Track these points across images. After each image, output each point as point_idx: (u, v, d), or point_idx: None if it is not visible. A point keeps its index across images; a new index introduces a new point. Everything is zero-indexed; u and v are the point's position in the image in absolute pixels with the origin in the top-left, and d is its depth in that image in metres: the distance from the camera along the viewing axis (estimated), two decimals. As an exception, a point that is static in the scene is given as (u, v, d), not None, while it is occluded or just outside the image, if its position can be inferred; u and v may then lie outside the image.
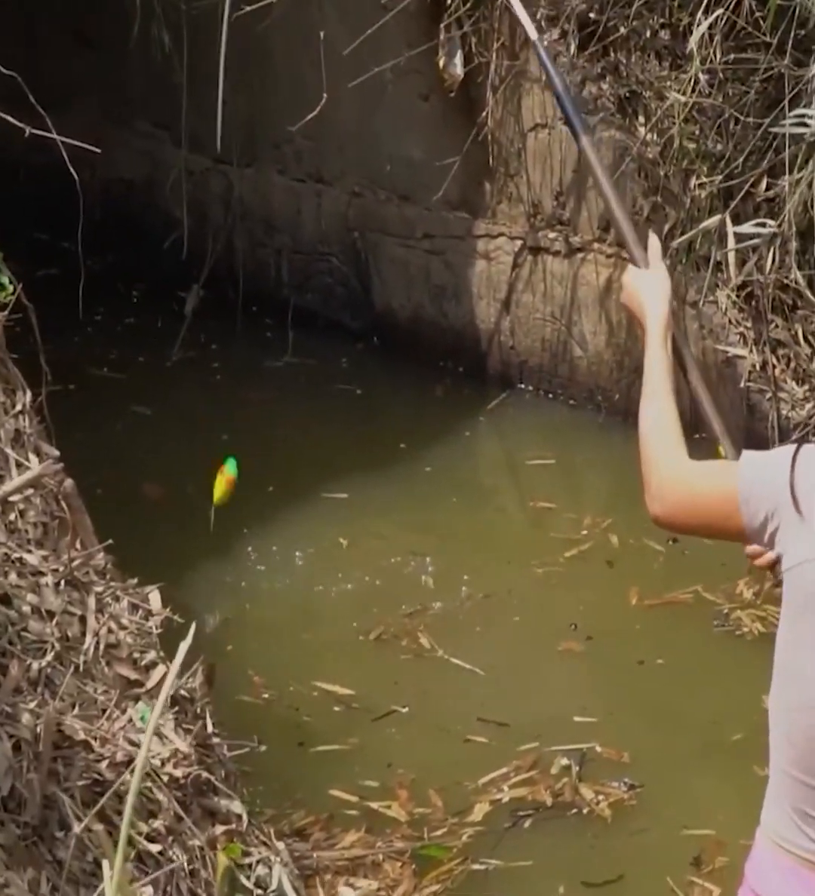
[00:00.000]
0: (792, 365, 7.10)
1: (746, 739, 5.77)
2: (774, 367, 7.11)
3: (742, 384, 7.32)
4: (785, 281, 7.09)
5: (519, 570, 7.02)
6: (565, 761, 5.73)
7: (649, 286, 3.84)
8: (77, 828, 4.07)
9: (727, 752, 5.82)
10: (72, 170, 5.55)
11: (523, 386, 8.69)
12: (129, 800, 2.55)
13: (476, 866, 5.27)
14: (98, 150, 5.64)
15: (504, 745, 5.81)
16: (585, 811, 5.53)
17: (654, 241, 3.89)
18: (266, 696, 6.06)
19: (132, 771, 4.44)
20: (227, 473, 6.55)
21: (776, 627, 6.11)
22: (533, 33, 4.48)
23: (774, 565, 3.32)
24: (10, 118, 5.35)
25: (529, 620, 6.68)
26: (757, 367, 7.20)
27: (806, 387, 6.98)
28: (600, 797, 5.56)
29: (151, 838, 4.36)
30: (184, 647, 2.64)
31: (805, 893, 3.27)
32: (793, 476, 3.16)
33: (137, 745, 4.55)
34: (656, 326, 3.75)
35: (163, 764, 4.62)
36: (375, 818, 5.49)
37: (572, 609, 6.75)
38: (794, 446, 3.19)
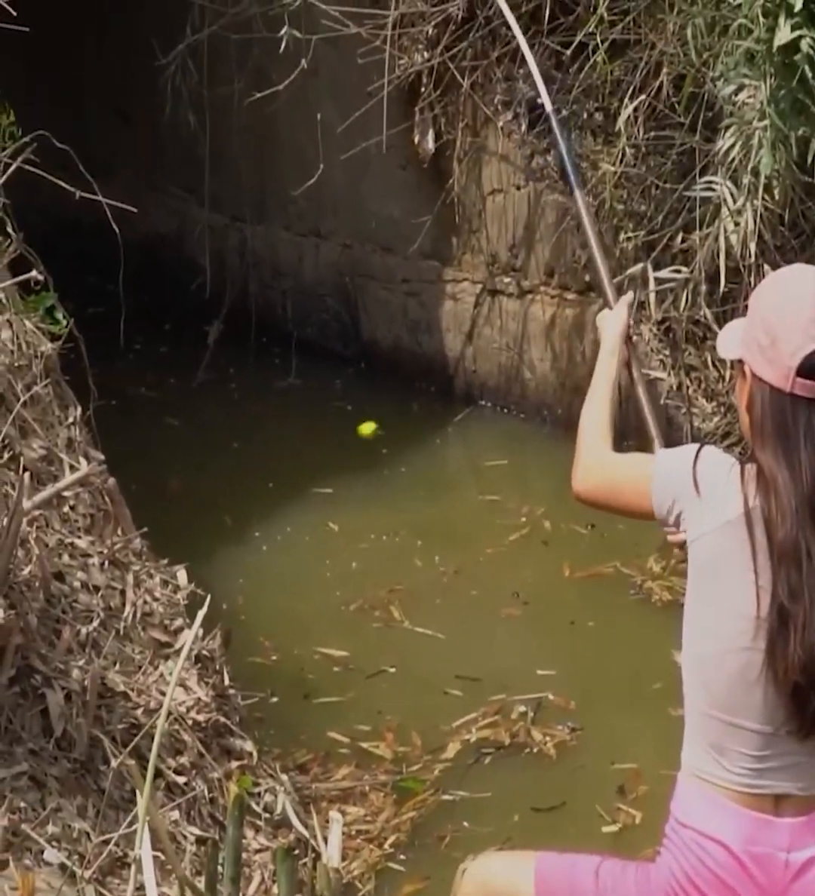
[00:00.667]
0: (702, 385, 7.17)
1: (664, 688, 5.76)
2: (688, 387, 7.21)
3: (662, 401, 7.35)
4: (697, 317, 7.19)
5: (473, 552, 7.11)
6: (522, 708, 5.83)
7: (609, 320, 3.97)
8: (114, 763, 4.17)
9: (648, 698, 5.87)
10: (114, 226, 5.64)
11: (483, 403, 8.75)
12: (156, 738, 2.74)
13: (446, 796, 5.34)
14: (135, 210, 5.72)
15: (475, 696, 5.88)
16: (535, 750, 5.59)
17: (627, 294, 4.07)
18: (274, 657, 6.11)
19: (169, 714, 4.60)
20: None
21: (681, 595, 6.25)
22: (549, 105, 4.56)
23: (683, 544, 3.33)
24: (63, 184, 5.42)
25: (481, 592, 6.77)
26: (674, 388, 7.27)
27: (714, 403, 7.03)
28: (548, 738, 5.63)
29: (178, 772, 4.46)
30: (201, 613, 2.85)
31: (724, 817, 3.28)
32: (695, 466, 3.25)
33: (166, 695, 4.71)
34: (606, 348, 3.87)
35: (188, 711, 4.69)
36: (364, 756, 5.55)
37: (516, 581, 6.84)
38: (698, 445, 3.33)
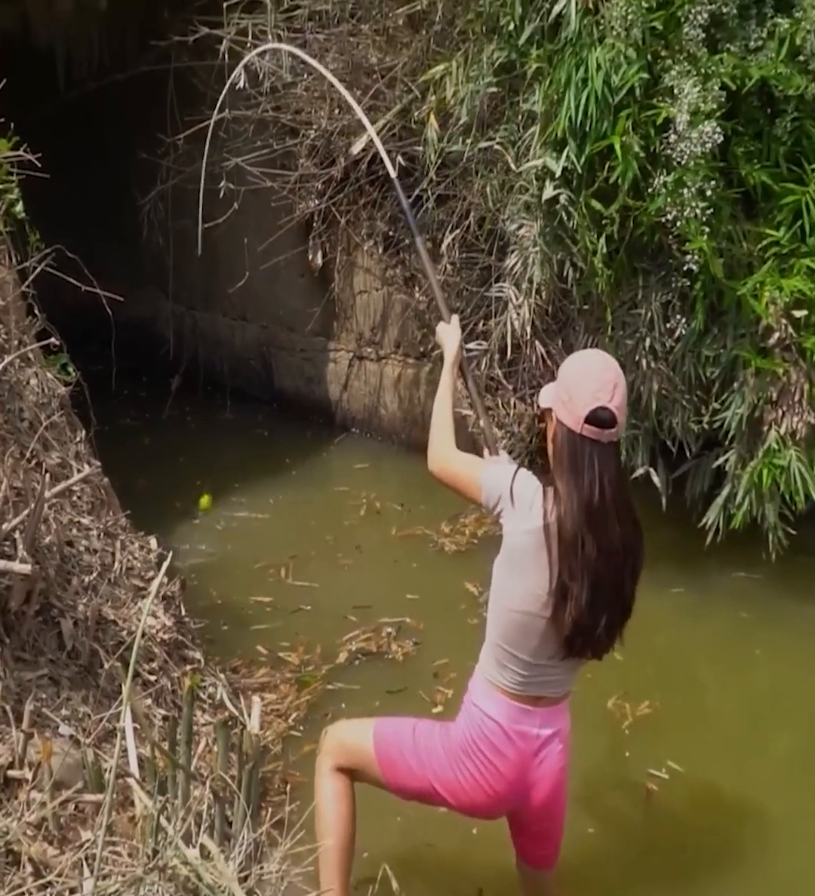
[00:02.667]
0: (495, 420, 7.14)
1: (466, 608, 5.89)
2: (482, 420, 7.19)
3: (469, 430, 7.37)
4: (491, 375, 7.18)
5: (333, 524, 7.14)
6: (389, 629, 5.79)
7: (448, 334, 4.03)
8: (107, 666, 4.16)
9: (452, 613, 5.90)
10: (109, 310, 5.59)
11: (354, 430, 8.72)
12: (134, 649, 2.71)
13: (330, 686, 5.30)
14: (123, 299, 5.69)
15: (363, 620, 5.85)
16: (390, 656, 5.57)
17: (455, 317, 4.11)
18: (219, 601, 6.02)
19: (143, 635, 4.54)
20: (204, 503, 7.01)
21: (462, 547, 6.66)
22: (393, 173, 4.60)
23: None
24: (73, 281, 5.37)
25: (337, 550, 6.80)
26: (475, 421, 7.32)
27: (502, 431, 7.08)
28: (399, 648, 5.61)
29: (150, 673, 4.43)
30: (165, 564, 2.83)
31: (499, 705, 3.43)
32: (513, 484, 3.31)
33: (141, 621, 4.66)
34: (448, 360, 3.94)
35: (156, 632, 4.66)
36: (278, 662, 5.50)
37: (359, 540, 6.92)
38: (515, 467, 3.40)
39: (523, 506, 3.30)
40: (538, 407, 3.57)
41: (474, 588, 6.12)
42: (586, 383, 3.27)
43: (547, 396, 3.44)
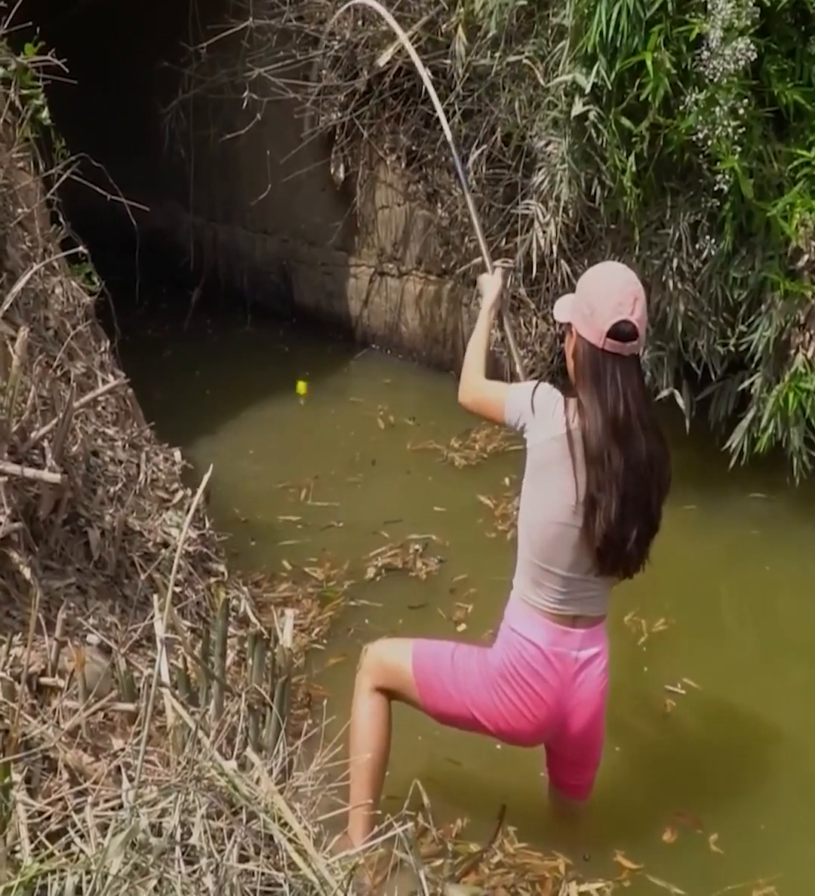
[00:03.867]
0: (518, 339, 7.07)
1: (483, 522, 5.98)
2: (508, 341, 7.09)
3: (491, 348, 7.38)
4: (515, 293, 7.11)
5: (353, 440, 7.16)
6: (416, 546, 5.76)
7: (488, 283, 4.04)
8: (142, 576, 4.17)
9: (470, 527, 5.97)
10: (132, 220, 5.59)
11: (374, 346, 8.67)
12: (175, 561, 2.70)
13: (352, 603, 5.29)
14: (148, 209, 5.67)
15: (394, 536, 5.87)
16: (413, 574, 5.55)
17: (499, 262, 4.10)
18: (240, 516, 6.05)
19: (167, 546, 4.55)
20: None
21: (470, 461, 6.71)
22: (449, 135, 4.63)
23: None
24: (98, 189, 5.33)
25: (356, 467, 6.81)
26: (499, 340, 7.23)
27: (524, 350, 7.03)
28: (422, 565, 5.60)
29: (176, 584, 4.40)
30: (206, 477, 2.79)
31: (537, 627, 3.42)
32: (534, 395, 3.32)
33: (167, 534, 4.62)
34: (486, 305, 3.95)
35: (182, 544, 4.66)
36: (303, 577, 5.50)
37: (375, 454, 6.93)
38: (535, 381, 3.42)
39: (544, 414, 3.31)
40: (558, 322, 3.56)
41: (489, 501, 6.15)
42: (607, 297, 3.25)
43: (564, 309, 3.42)
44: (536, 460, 3.36)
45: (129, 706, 3.11)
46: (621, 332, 3.22)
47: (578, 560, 3.36)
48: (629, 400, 3.24)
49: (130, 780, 2.53)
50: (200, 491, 2.63)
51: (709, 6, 5.44)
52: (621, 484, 3.25)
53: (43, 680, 3.15)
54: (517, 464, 6.45)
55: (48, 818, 2.51)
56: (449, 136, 4.65)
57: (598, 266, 3.53)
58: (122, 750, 2.84)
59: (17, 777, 2.54)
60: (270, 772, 2.54)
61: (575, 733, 3.53)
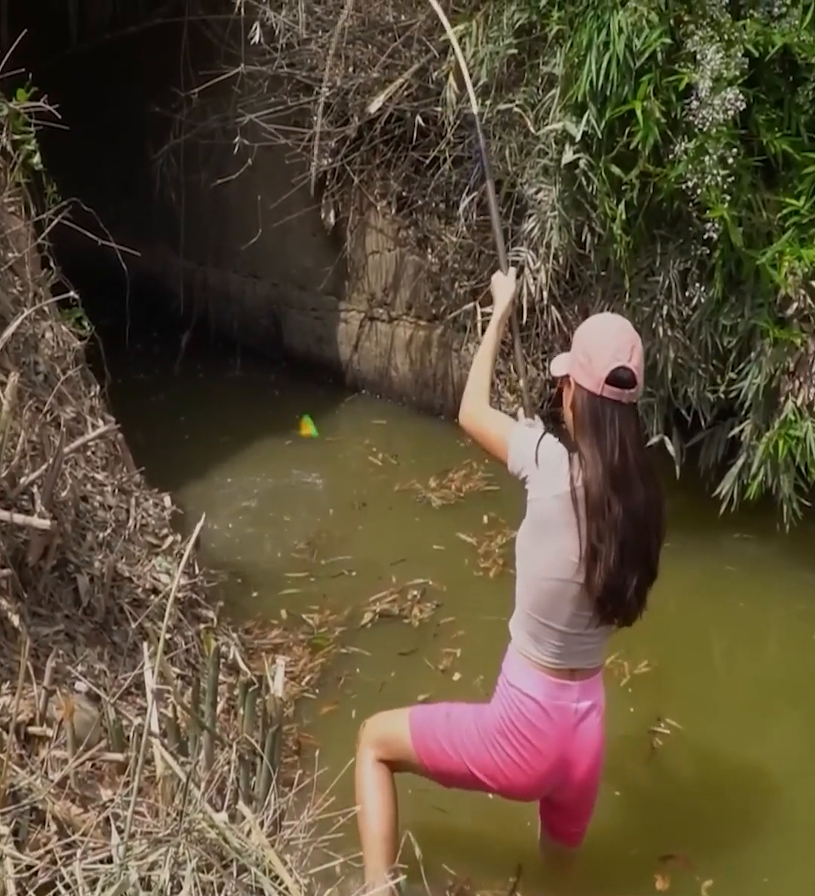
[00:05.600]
0: (507, 383, 7.13)
1: (469, 562, 5.99)
2: (497, 384, 7.14)
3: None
4: (504, 340, 7.09)
5: (352, 480, 7.18)
6: (414, 591, 5.73)
7: (502, 287, 3.93)
8: (133, 624, 4.14)
9: (455, 567, 5.98)
10: (123, 264, 5.59)
11: (364, 391, 8.64)
12: (167, 610, 2.67)
13: (343, 650, 5.26)
14: (138, 254, 5.65)
15: (401, 575, 5.88)
16: (406, 621, 5.53)
17: (513, 271, 4.03)
18: (233, 560, 6.01)
19: (157, 592, 4.51)
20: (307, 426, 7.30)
21: (447, 502, 6.72)
22: (475, 108, 4.50)
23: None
24: (89, 234, 5.30)
25: (351, 507, 6.82)
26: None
27: (514, 395, 7.03)
28: (418, 611, 5.57)
29: (166, 631, 4.38)
30: (198, 526, 2.78)
31: (536, 681, 3.40)
32: (538, 448, 3.29)
33: (157, 579, 4.60)
34: (497, 315, 3.86)
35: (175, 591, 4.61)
36: (295, 623, 5.47)
37: (365, 495, 6.94)
38: (541, 432, 3.39)
39: (548, 470, 3.27)
40: (553, 376, 3.54)
41: (471, 539, 6.21)
42: (604, 345, 3.25)
43: (561, 364, 3.40)
44: (536, 515, 3.34)
45: (119, 756, 3.08)
46: (620, 378, 3.21)
47: (577, 614, 3.34)
48: (628, 447, 3.24)
49: (120, 832, 2.50)
50: (191, 537, 2.61)
51: (698, 56, 5.49)
52: (619, 531, 3.24)
53: (31, 729, 3.12)
54: (495, 502, 6.63)
55: (36, 872, 2.48)
56: (475, 109, 4.51)
57: (593, 317, 3.54)
58: (112, 801, 2.81)
59: (4, 829, 2.51)
60: (262, 824, 2.52)
61: (575, 784, 3.52)
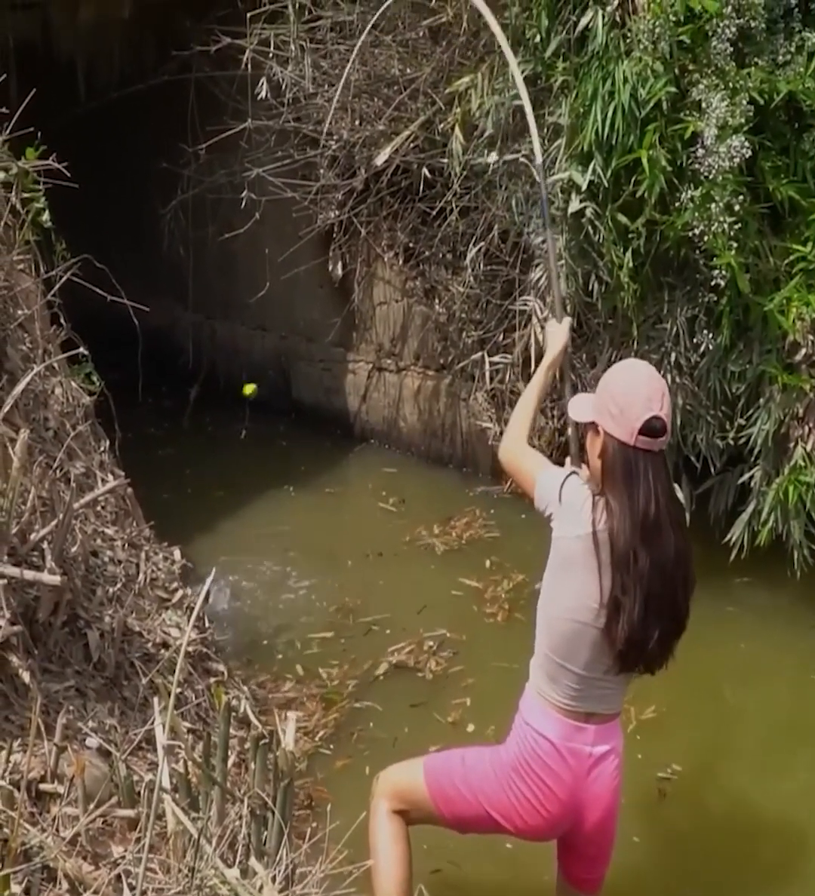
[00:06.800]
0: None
1: (477, 611, 6.00)
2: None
3: (490, 443, 7.35)
4: (513, 388, 7.13)
5: (363, 512, 7.37)
6: (430, 642, 5.74)
7: (555, 335, 3.95)
8: (144, 680, 4.13)
9: (467, 614, 6.03)
10: (134, 319, 5.57)
11: (372, 441, 8.67)
12: (178, 664, 2.67)
13: (357, 704, 5.27)
14: (148, 309, 5.65)
15: (422, 624, 5.92)
16: (420, 674, 5.52)
17: (567, 320, 4.01)
18: (246, 614, 6.05)
19: (167, 647, 4.51)
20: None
21: (447, 548, 6.80)
22: (539, 157, 4.42)
23: None
24: (99, 291, 5.29)
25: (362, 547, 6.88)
26: (498, 434, 7.22)
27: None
28: (434, 662, 5.58)
29: (176, 685, 4.40)
30: (209, 580, 2.78)
31: (552, 722, 3.38)
32: (562, 488, 3.28)
33: (167, 633, 4.61)
34: (547, 359, 3.89)
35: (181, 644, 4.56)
36: (308, 677, 5.48)
37: (377, 544, 6.94)
38: (567, 473, 3.37)
39: (571, 509, 3.27)
40: (575, 421, 3.55)
41: (477, 584, 6.28)
42: (635, 394, 3.23)
43: (584, 408, 3.39)
44: (559, 553, 3.34)
45: (130, 812, 3.07)
46: (653, 428, 3.20)
47: (595, 659, 3.33)
48: (660, 495, 3.21)
49: (131, 889, 2.49)
50: (202, 591, 2.62)
51: (703, 105, 5.54)
52: (645, 584, 3.22)
53: (42, 786, 3.11)
54: (495, 548, 6.65)
55: (48, 931, 2.48)
56: (539, 159, 4.41)
57: (619, 364, 3.52)
58: (123, 857, 2.80)
59: (16, 888, 2.50)
60: (273, 879, 2.51)
61: (589, 828, 3.50)
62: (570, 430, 4.04)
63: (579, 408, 3.42)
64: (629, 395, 3.23)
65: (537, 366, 6.66)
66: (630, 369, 3.42)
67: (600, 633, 3.28)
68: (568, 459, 3.88)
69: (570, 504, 3.28)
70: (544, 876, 3.85)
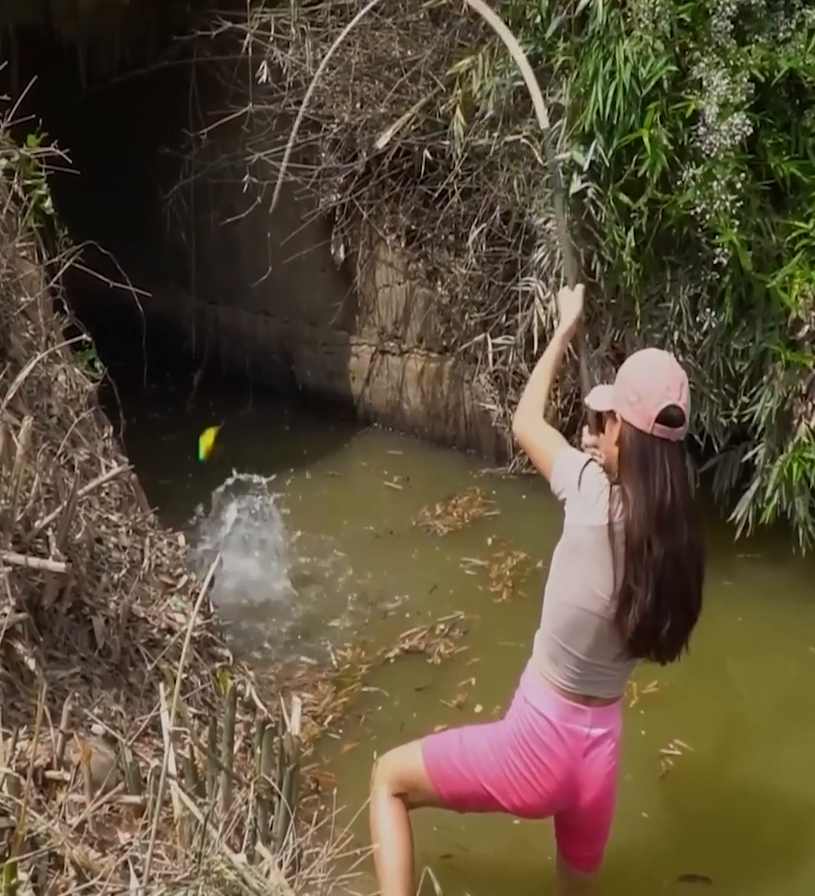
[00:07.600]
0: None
1: (482, 585, 6.03)
2: (509, 415, 7.08)
3: (493, 424, 7.41)
4: (516, 369, 7.14)
5: (367, 493, 7.40)
6: (442, 626, 5.73)
7: (569, 303, 3.85)
8: (149, 666, 4.12)
9: (471, 593, 6.04)
10: (139, 305, 5.56)
11: (376, 425, 8.64)
12: (184, 649, 2.66)
13: (366, 688, 5.26)
14: (150, 295, 5.63)
15: (434, 606, 5.92)
16: (430, 660, 5.51)
17: (580, 287, 3.93)
18: (250, 600, 6.01)
19: (172, 632, 4.50)
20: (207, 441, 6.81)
21: (450, 529, 6.80)
22: (545, 124, 4.40)
23: None
24: (102, 278, 5.28)
25: (367, 542, 6.82)
26: (501, 416, 7.24)
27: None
28: (443, 646, 5.56)
29: (182, 671, 4.34)
30: (213, 566, 2.77)
31: (551, 702, 3.40)
32: (581, 475, 3.26)
33: (172, 619, 4.59)
34: (561, 329, 3.80)
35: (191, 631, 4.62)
36: (321, 661, 5.49)
37: (389, 523, 6.97)
38: (586, 459, 3.34)
39: (588, 498, 3.26)
40: (593, 410, 3.53)
41: (482, 562, 6.29)
42: (654, 383, 3.22)
43: (603, 398, 3.38)
44: (570, 539, 3.33)
45: (136, 799, 3.07)
46: (671, 416, 3.19)
47: (599, 647, 3.33)
48: (676, 485, 3.20)
49: (138, 875, 2.49)
50: (207, 576, 2.61)
51: (704, 83, 5.51)
52: (658, 573, 3.21)
53: (48, 774, 3.10)
54: (495, 525, 6.68)
55: (55, 918, 2.47)
56: (544, 124, 4.38)
57: (638, 354, 3.53)
58: (130, 844, 2.80)
59: (23, 876, 2.49)
60: (280, 864, 2.50)
61: (584, 808, 3.51)
62: (587, 399, 4.00)
63: (599, 397, 3.42)
64: (648, 383, 3.22)
65: (540, 347, 6.80)
66: (650, 358, 3.43)
67: (609, 624, 3.28)
68: (586, 429, 3.79)
69: (587, 493, 3.26)
70: (548, 856, 3.85)
